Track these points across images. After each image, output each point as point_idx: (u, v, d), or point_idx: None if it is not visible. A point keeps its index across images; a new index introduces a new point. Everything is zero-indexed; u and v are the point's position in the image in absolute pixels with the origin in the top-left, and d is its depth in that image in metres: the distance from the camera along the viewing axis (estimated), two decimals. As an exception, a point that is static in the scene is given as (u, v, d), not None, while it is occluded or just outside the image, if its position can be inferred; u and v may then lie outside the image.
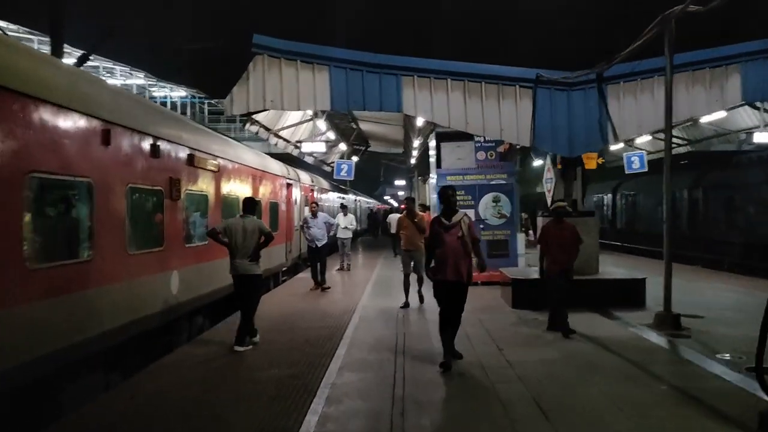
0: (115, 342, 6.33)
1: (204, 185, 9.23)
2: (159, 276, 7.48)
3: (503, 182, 12.63)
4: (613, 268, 10.47)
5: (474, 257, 6.67)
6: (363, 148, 25.32)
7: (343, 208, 16.06)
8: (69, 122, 5.51)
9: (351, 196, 36.46)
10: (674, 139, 17.90)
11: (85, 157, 5.73)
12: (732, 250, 16.60)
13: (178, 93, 39.42)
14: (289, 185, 16.73)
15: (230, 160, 10.62)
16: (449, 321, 6.63)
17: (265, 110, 10.42)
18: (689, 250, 18.17)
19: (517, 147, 12.94)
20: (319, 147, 14.41)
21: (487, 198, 12.58)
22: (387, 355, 7.02)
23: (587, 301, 9.42)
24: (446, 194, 6.61)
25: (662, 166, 8.48)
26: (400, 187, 45.29)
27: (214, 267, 9.38)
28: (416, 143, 16.52)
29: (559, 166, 10.28)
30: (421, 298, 10.15)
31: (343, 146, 20.67)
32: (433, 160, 13.67)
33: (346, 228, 15.16)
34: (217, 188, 9.90)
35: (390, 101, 9.96)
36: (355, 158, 23.14)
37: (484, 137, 12.64)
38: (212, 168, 9.53)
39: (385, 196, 71.55)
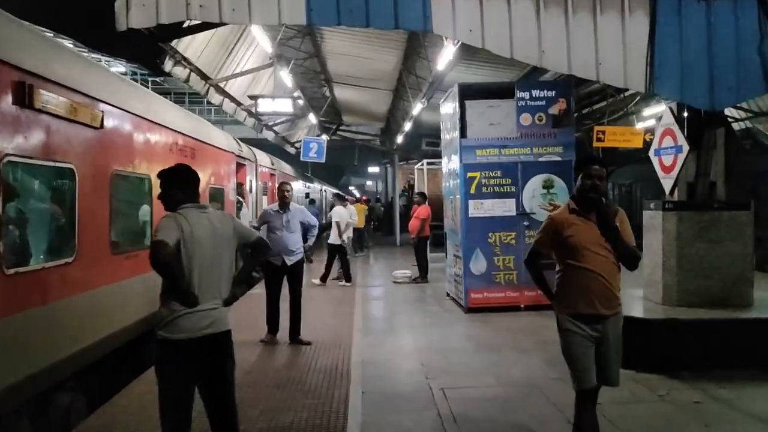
0: None
1: (62, 150, 4.79)
2: None
3: (558, 158, 8.55)
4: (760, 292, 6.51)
5: None
6: (335, 125, 20.97)
7: (341, 198, 12.19)
8: None
9: (316, 185, 31.94)
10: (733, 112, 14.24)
11: None
12: None
13: (116, 68, 35.84)
14: (240, 166, 12.29)
15: (130, 113, 6.18)
16: None
17: (187, 28, 6.03)
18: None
19: (573, 110, 8.90)
20: (284, 106, 9.91)
21: (535, 182, 8.50)
22: None
23: (745, 355, 5.49)
24: None
25: None
26: (373, 176, 40.95)
27: (73, 307, 4.98)
28: (416, 109, 12.25)
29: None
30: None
31: (312, 119, 16.27)
32: (449, 136, 9.51)
33: (348, 224, 11.37)
34: (101, 159, 5.48)
35: (411, 12, 5.73)
36: (325, 137, 18.82)
37: (530, 94, 8.57)
38: (85, 120, 5.10)
39: (351, 186, 66.93)
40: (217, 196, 10.14)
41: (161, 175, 3.52)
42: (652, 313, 5.56)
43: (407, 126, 14.57)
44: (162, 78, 36.38)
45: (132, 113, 6.23)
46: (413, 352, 6.46)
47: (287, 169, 21.14)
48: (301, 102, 12.81)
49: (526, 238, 8.43)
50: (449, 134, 9.56)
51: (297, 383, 5.42)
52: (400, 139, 18.05)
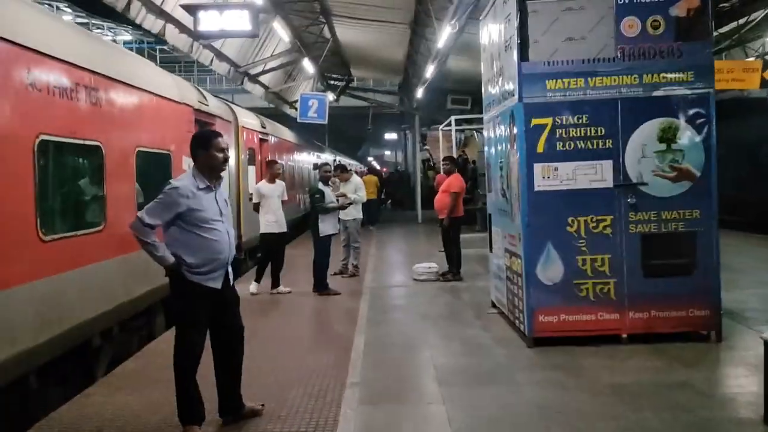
0: None
1: None
2: None
3: (686, 91, 5.15)
4: None
5: None
6: (344, 81, 17.55)
7: (343, 169, 9.37)
8: None
9: (328, 156, 28.51)
10: None
11: None
12: None
13: (122, 37, 33.88)
14: (206, 126, 9.11)
15: None
16: None
17: None
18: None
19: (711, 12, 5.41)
20: (237, 22, 6.48)
21: (647, 131, 5.13)
22: None
23: None
24: None
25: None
26: (389, 144, 37.40)
27: None
28: (443, 39, 8.76)
29: None
30: None
31: (308, 67, 12.92)
32: (498, 77, 6.13)
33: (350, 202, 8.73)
34: None
35: None
36: (331, 96, 15.54)
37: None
38: None
39: (369, 157, 63.33)
40: (156, 162, 7.03)
41: None
42: None
43: (430, 70, 11.15)
44: (170, 46, 33.59)
45: None
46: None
47: (287, 135, 17.87)
48: (281, 27, 9.36)
49: (630, 226, 5.13)
50: (498, 73, 6.17)
51: None
52: (420, 93, 14.59)
